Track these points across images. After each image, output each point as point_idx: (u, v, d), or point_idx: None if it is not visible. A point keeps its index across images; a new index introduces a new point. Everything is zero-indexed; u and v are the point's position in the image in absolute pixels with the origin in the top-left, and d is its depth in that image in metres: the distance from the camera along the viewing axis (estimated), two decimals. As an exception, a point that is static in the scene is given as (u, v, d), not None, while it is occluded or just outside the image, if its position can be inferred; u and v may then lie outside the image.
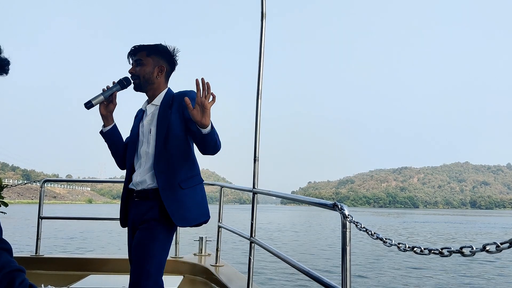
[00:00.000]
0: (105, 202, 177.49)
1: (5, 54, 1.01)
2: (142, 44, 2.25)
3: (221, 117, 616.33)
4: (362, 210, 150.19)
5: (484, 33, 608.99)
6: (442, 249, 1.22)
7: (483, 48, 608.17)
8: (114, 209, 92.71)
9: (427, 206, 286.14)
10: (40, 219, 4.23)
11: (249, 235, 2.89)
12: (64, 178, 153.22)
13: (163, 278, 3.71)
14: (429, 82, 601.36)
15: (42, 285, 1.85)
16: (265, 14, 3.05)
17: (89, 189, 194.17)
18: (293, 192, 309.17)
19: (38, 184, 4.38)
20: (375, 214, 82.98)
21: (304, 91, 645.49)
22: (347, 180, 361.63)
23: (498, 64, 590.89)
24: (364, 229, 1.62)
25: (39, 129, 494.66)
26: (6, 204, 3.06)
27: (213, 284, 3.49)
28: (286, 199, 2.75)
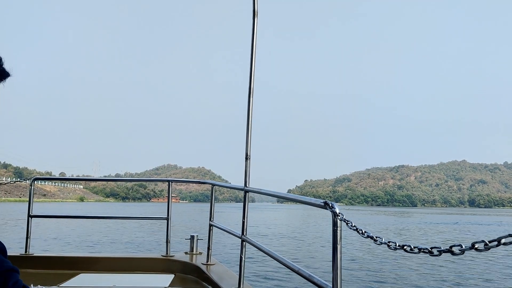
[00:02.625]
0: (98, 200, 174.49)
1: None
2: None
3: (216, 115, 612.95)
4: (363, 209, 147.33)
5: (484, 33, 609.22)
6: (432, 248, 1.23)
7: (482, 48, 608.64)
8: (106, 207, 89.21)
9: (425, 204, 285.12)
10: (30, 218, 4.16)
11: (241, 233, 2.90)
12: (57, 175, 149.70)
13: (154, 276, 3.76)
14: (426, 81, 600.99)
15: (32, 285, 1.90)
16: (257, 12, 3.05)
17: (81, 187, 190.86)
18: (289, 191, 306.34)
19: (27, 182, 4.44)
20: (385, 213, 79.31)
21: (301, 89, 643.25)
22: (344, 178, 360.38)
23: (495, 64, 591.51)
24: (355, 228, 1.63)
25: (32, 126, 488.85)
26: None
27: (204, 283, 3.48)
28: (279, 198, 2.73)
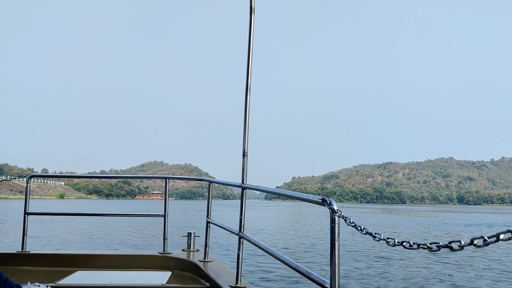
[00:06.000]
0: (79, 197, 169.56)
1: None
2: None
3: (202, 111, 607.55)
4: (354, 206, 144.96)
5: (485, 33, 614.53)
6: (430, 243, 1.22)
7: (475, 47, 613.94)
8: (94, 205, 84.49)
9: (414, 201, 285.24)
10: (26, 215, 4.20)
11: (238, 230, 2.94)
12: (39, 172, 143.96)
13: (151, 273, 3.84)
14: (415, 80, 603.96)
15: (29, 282, 1.91)
16: (254, 8, 3.07)
17: (63, 183, 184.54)
18: (277, 187, 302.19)
19: (23, 179, 4.27)
20: (385, 211, 74.85)
21: (288, 85, 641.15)
22: (332, 175, 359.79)
23: (485, 62, 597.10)
24: (353, 224, 1.62)
25: (12, 121, 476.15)
26: None
27: (201, 280, 3.50)
28: (275, 194, 2.81)
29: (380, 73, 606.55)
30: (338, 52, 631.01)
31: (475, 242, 1.06)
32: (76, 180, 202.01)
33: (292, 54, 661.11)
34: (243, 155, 3.00)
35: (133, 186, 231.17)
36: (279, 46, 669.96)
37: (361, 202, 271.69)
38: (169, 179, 4.48)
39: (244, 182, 2.97)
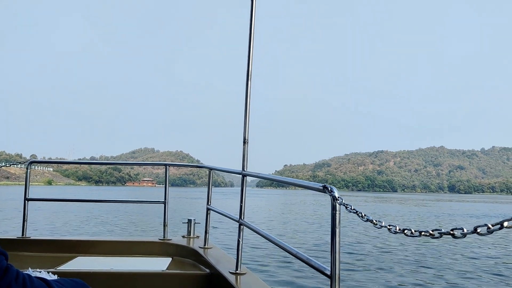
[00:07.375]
0: (68, 183, 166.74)
1: None
2: None
3: (199, 99, 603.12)
4: (347, 194, 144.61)
5: (476, 32, 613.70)
6: (433, 230, 1.21)
7: (469, 43, 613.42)
8: (86, 190, 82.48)
9: (405, 190, 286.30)
10: (26, 201, 4.23)
11: (238, 217, 2.94)
12: (28, 157, 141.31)
13: (151, 259, 3.87)
14: (404, 68, 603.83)
15: (30, 268, 1.88)
16: None
17: (51, 169, 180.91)
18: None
19: (22, 166, 4.33)
20: (379, 199, 73.70)
21: (280, 75, 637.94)
22: (324, 163, 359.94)
23: (476, 57, 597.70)
24: (354, 211, 1.63)
25: (1, 107, 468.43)
26: None
27: (201, 266, 3.50)
28: (275, 181, 2.81)
29: (374, 66, 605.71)
30: (330, 46, 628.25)
31: (478, 230, 1.04)
32: (65, 166, 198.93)
33: (285, 47, 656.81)
34: (244, 142, 2.96)
35: (123, 173, 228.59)
36: (272, 38, 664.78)
37: (352, 190, 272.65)
38: (169, 166, 4.40)
39: (245, 169, 2.96)
